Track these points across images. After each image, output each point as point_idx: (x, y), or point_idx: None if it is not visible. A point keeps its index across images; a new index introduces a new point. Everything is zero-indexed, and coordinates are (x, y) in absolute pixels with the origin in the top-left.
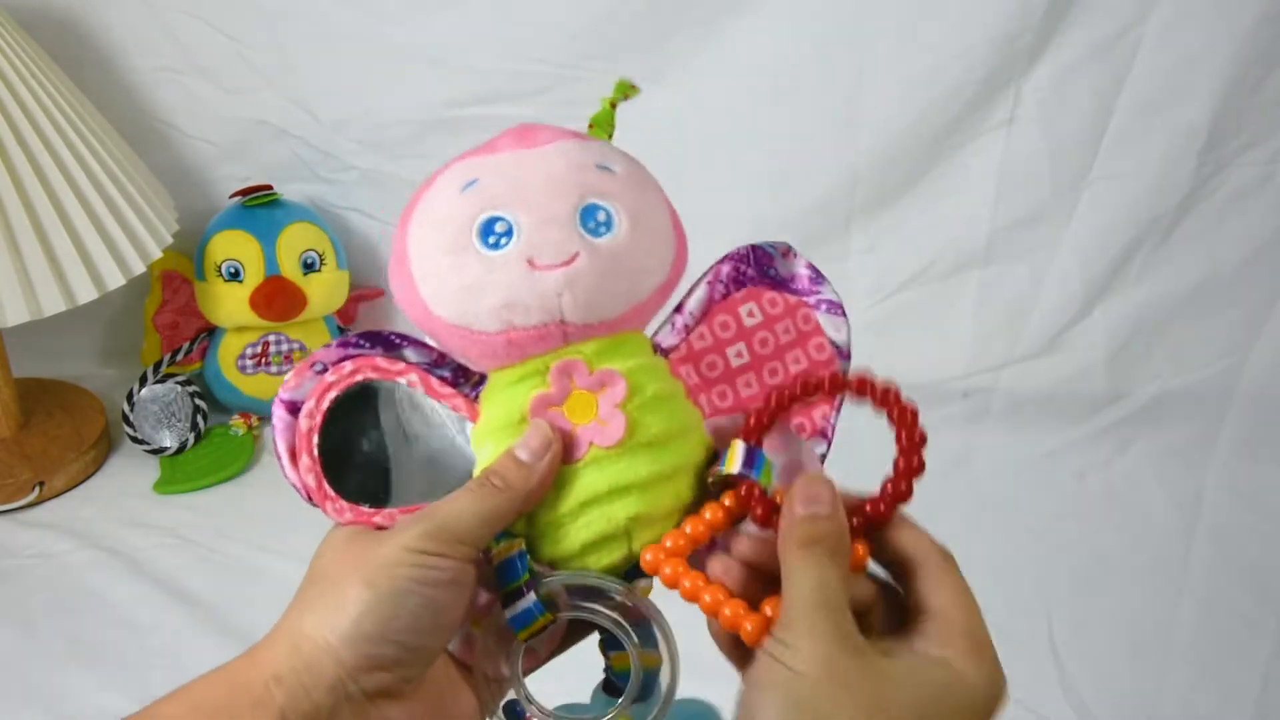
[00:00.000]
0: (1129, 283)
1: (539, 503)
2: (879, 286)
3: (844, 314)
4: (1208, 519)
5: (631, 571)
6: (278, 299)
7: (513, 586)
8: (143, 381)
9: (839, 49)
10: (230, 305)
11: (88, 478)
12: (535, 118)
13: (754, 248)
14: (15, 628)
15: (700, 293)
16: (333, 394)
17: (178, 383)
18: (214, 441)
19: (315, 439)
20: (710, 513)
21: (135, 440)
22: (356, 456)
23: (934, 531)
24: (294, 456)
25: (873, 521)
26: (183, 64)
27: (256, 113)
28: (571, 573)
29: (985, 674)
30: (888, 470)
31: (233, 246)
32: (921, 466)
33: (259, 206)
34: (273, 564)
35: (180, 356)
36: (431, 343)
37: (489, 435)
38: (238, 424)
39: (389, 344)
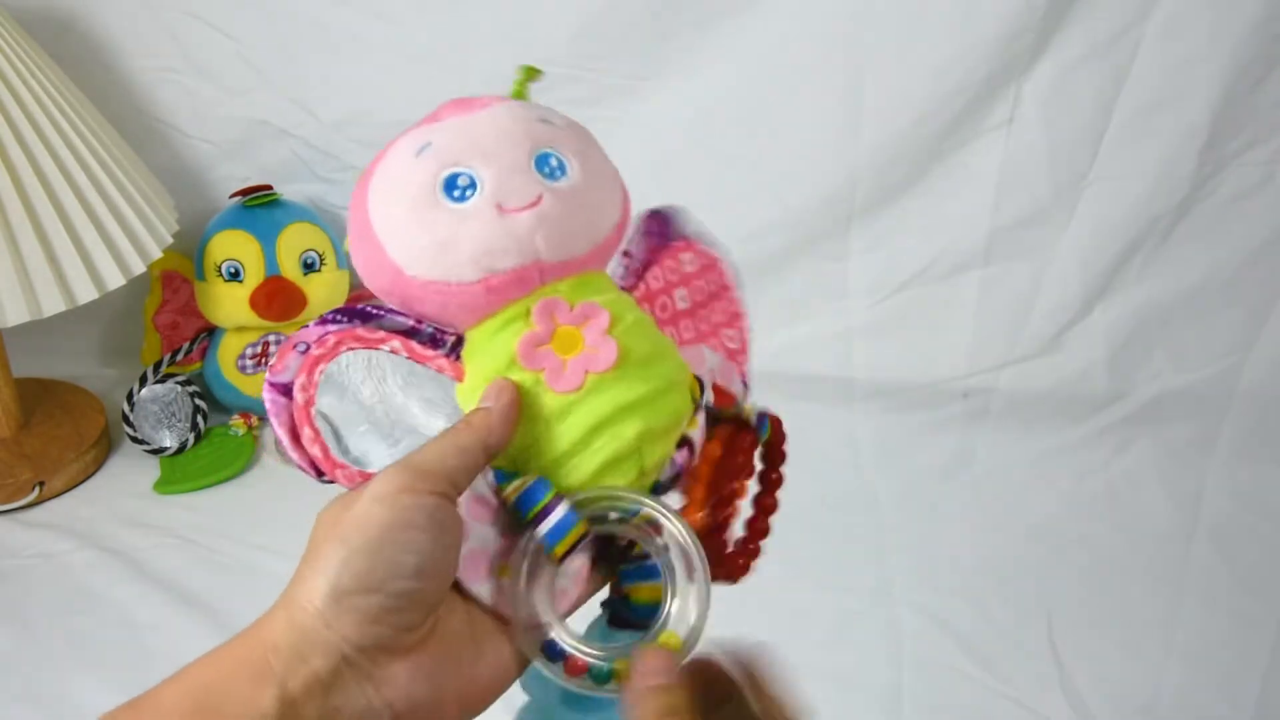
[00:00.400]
0: (1129, 283)
1: (547, 442)
2: (879, 286)
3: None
4: (1208, 519)
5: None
6: (278, 299)
7: (540, 505)
8: (143, 381)
9: (839, 49)
10: (230, 305)
11: (88, 478)
12: None
13: (666, 207)
14: (15, 628)
15: (641, 240)
16: (322, 366)
17: (178, 383)
18: (214, 441)
19: (313, 410)
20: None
21: (135, 440)
22: (353, 421)
23: (934, 531)
24: (294, 435)
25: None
26: (183, 64)
27: (256, 113)
28: (598, 486)
29: None
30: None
31: (233, 246)
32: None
33: (259, 206)
34: (273, 564)
35: (180, 356)
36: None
37: (480, 387)
38: (238, 424)
39: (366, 315)
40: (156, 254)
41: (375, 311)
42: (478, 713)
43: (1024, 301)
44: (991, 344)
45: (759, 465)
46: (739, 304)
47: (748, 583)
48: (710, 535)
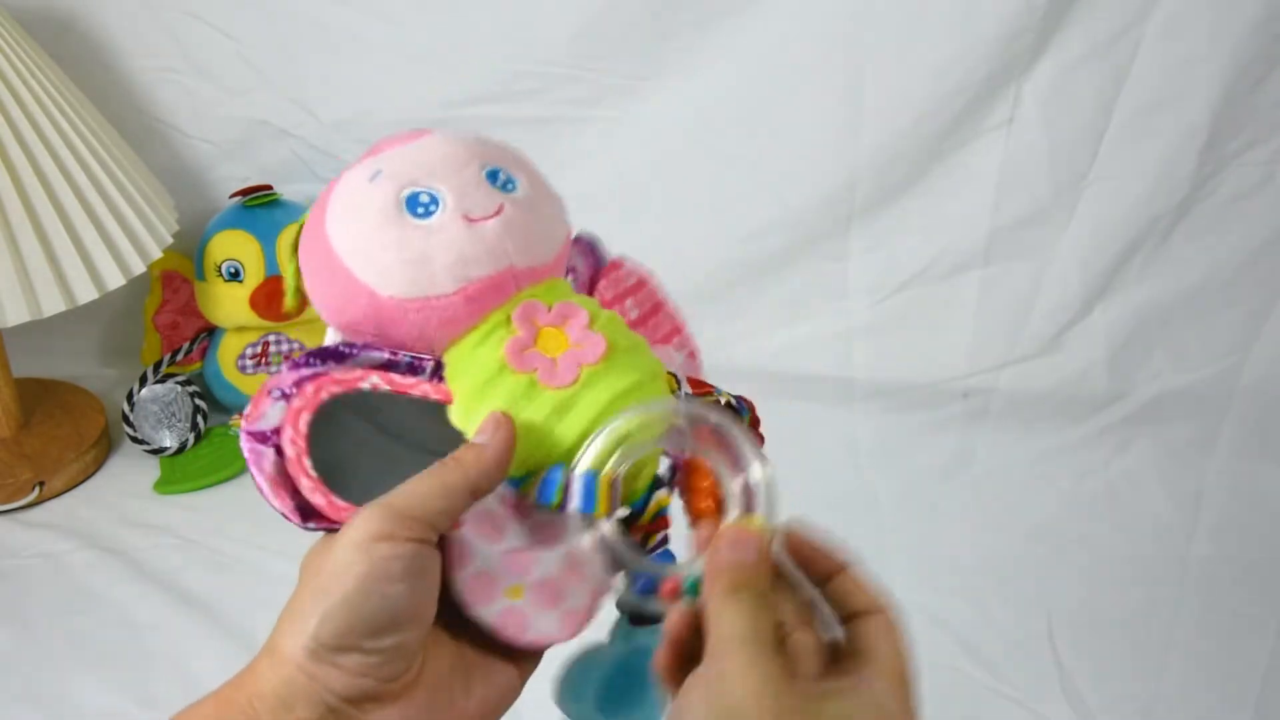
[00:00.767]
0: (1129, 283)
1: (554, 438)
2: (879, 286)
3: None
4: (1208, 519)
5: (651, 485)
6: (278, 299)
7: (561, 486)
8: (143, 381)
9: (839, 49)
10: (230, 305)
11: (88, 478)
12: (535, 118)
13: (587, 233)
14: (15, 628)
15: (580, 259)
16: (306, 415)
17: (178, 383)
18: (214, 441)
19: (307, 461)
20: None
21: (135, 440)
22: (349, 466)
23: (934, 531)
24: (274, 482)
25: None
26: (183, 64)
27: (256, 113)
28: (594, 435)
29: (906, 714)
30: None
31: (233, 246)
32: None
33: (259, 206)
34: (273, 564)
35: (180, 356)
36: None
37: (474, 399)
38: (237, 424)
39: (340, 355)
40: (156, 254)
41: (348, 350)
42: None
43: (1024, 301)
44: (991, 344)
45: None
46: (676, 316)
47: None
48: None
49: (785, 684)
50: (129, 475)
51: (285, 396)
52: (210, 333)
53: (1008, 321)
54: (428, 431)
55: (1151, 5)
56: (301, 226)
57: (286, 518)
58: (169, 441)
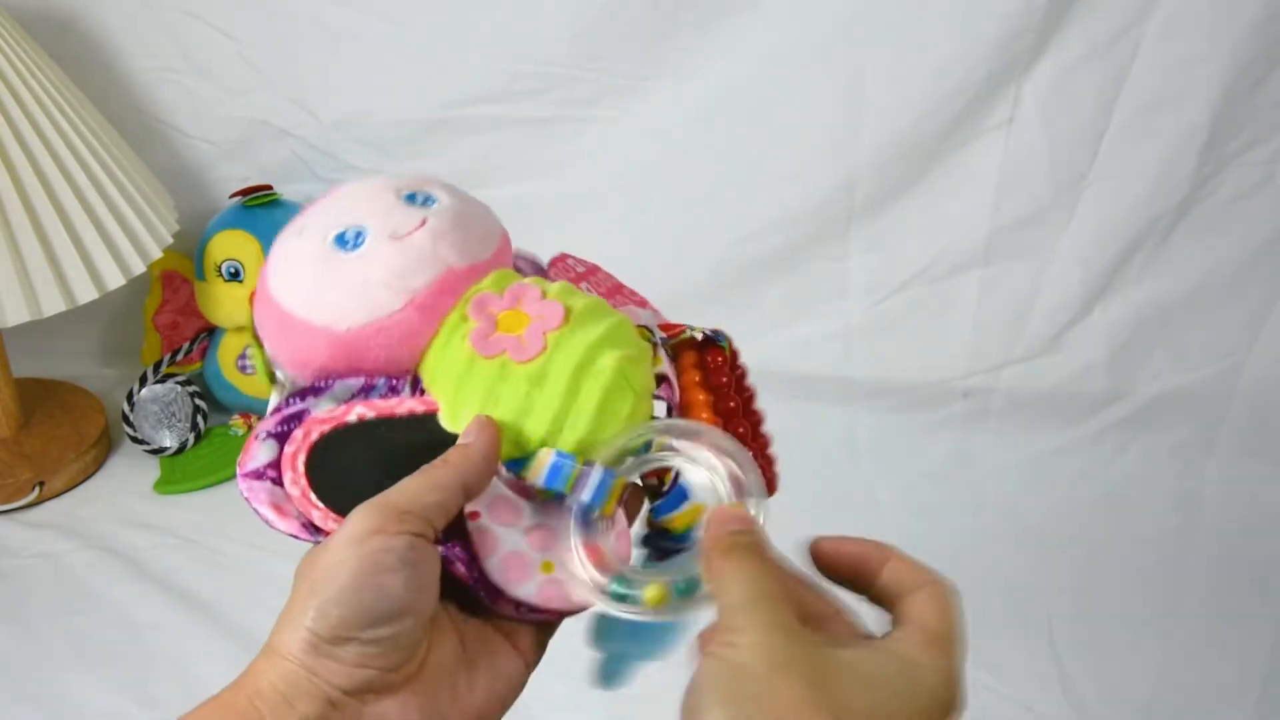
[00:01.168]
0: (1129, 283)
1: (540, 408)
2: (879, 286)
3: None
4: (1207, 519)
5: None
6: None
7: (573, 476)
8: (143, 381)
9: (839, 49)
10: (230, 305)
11: (88, 478)
12: (535, 118)
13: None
14: (15, 628)
15: (524, 263)
16: (302, 456)
17: (178, 383)
18: (214, 441)
19: (313, 496)
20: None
21: (135, 440)
22: (359, 488)
23: (934, 531)
24: (277, 511)
25: None
26: (183, 64)
27: (256, 113)
28: (610, 440)
29: (943, 669)
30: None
31: (233, 246)
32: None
33: (259, 206)
34: (273, 564)
35: (180, 356)
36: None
37: (456, 397)
38: (238, 424)
39: (316, 390)
40: (156, 254)
41: (323, 385)
42: None
43: (1024, 301)
44: (991, 344)
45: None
46: (636, 294)
47: None
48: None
49: (789, 633)
50: (129, 475)
51: (272, 436)
52: (210, 333)
53: (1008, 321)
54: (423, 441)
55: (1151, 5)
56: (252, 306)
57: (296, 536)
58: (169, 441)
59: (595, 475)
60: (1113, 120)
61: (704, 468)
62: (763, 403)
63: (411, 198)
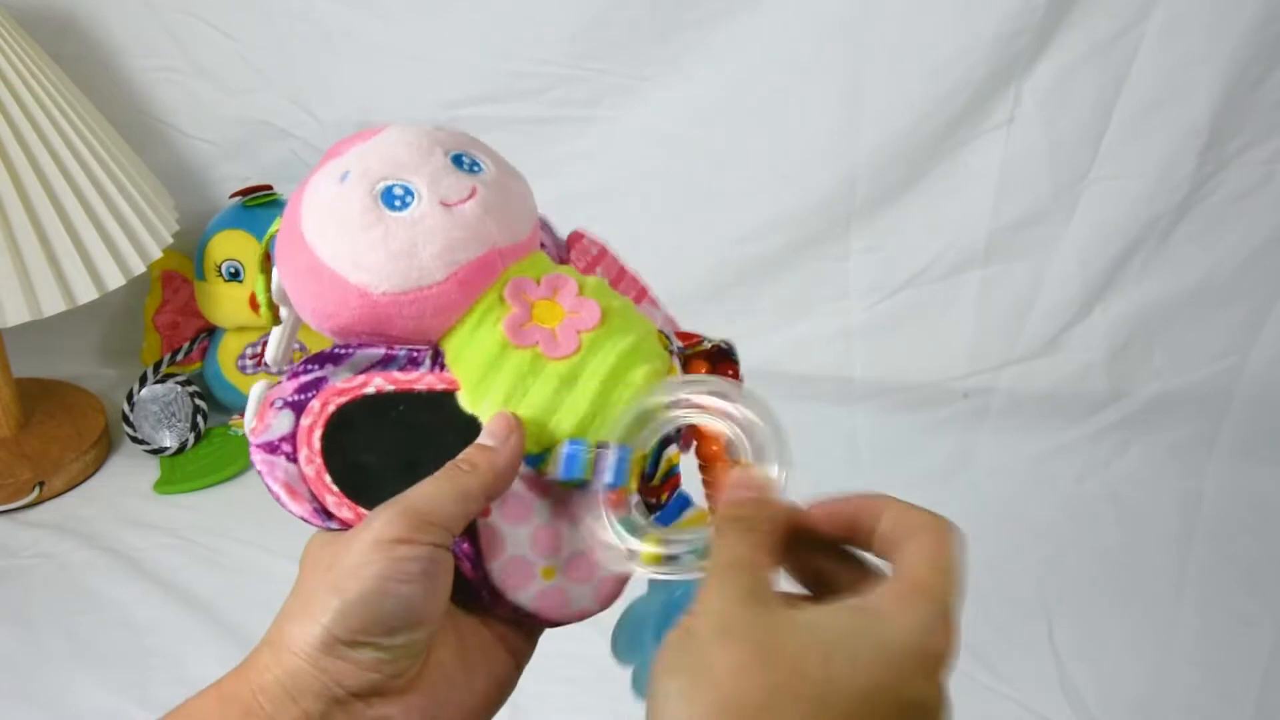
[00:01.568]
0: (1129, 283)
1: (568, 408)
2: (879, 286)
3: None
4: (1208, 519)
5: (659, 444)
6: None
7: (589, 461)
8: (143, 381)
9: (839, 49)
10: (230, 305)
11: (88, 478)
12: (535, 118)
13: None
14: (15, 628)
15: (545, 235)
16: (318, 432)
17: (178, 383)
18: (214, 441)
19: (328, 477)
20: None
21: (135, 440)
22: (369, 468)
23: None
24: (291, 492)
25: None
26: (183, 64)
27: (256, 113)
28: (621, 414)
29: (915, 620)
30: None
31: (233, 246)
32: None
33: (259, 206)
34: (273, 564)
35: (180, 356)
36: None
37: (482, 381)
38: (238, 424)
39: (336, 358)
40: (156, 254)
41: (344, 351)
42: None
43: (1024, 301)
44: (991, 344)
45: None
46: (639, 280)
47: None
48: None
49: (744, 600)
50: (129, 475)
51: (289, 405)
52: (210, 333)
53: (1008, 321)
54: (441, 421)
55: (1151, 5)
56: (269, 241)
57: (307, 520)
58: (169, 441)
59: (613, 455)
60: (1113, 120)
61: (720, 418)
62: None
63: (459, 160)
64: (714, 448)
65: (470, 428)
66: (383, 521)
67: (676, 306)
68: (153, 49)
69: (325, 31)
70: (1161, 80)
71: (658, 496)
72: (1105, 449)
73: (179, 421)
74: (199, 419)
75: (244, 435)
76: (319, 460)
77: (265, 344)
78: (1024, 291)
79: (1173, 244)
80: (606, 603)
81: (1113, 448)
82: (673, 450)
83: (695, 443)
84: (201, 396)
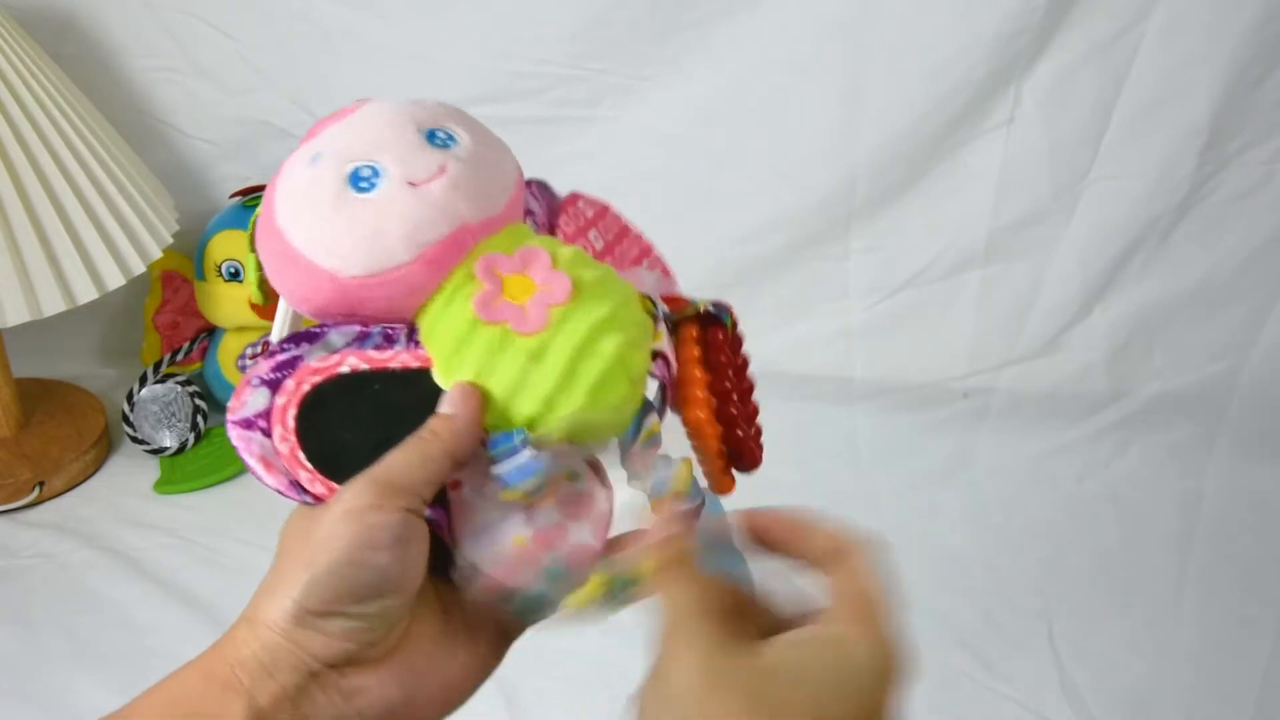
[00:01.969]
0: (1129, 283)
1: (534, 385)
2: (879, 286)
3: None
4: (1208, 519)
5: (644, 408)
6: (278, 299)
7: (506, 447)
8: (143, 381)
9: (839, 49)
10: (230, 305)
11: (88, 478)
12: (535, 118)
13: (537, 178)
14: (15, 628)
15: (536, 201)
16: (292, 411)
17: (178, 383)
18: (214, 441)
19: (301, 454)
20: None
21: (135, 440)
22: (343, 446)
23: (934, 532)
24: (266, 466)
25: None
26: (183, 64)
27: (256, 113)
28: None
29: (878, 642)
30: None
31: (233, 246)
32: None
33: (259, 206)
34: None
35: (180, 356)
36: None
37: (453, 358)
38: None
39: (311, 337)
40: (156, 254)
41: (319, 330)
42: (454, 710)
43: (1024, 301)
44: (991, 344)
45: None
46: (643, 239)
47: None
48: (741, 431)
49: (719, 649)
50: (129, 475)
51: (265, 384)
52: (210, 333)
53: (1008, 321)
54: (414, 398)
55: (1151, 5)
56: (253, 224)
57: (282, 493)
58: (169, 441)
59: (524, 456)
60: (1113, 120)
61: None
62: (763, 403)
63: (432, 135)
64: (700, 414)
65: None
66: (352, 492)
67: None
68: (153, 49)
69: (325, 31)
70: (1161, 80)
71: (641, 465)
72: (1105, 449)
73: (179, 421)
74: (199, 419)
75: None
76: (293, 439)
77: (265, 343)
78: (1024, 291)
79: (1173, 244)
80: (603, 537)
81: (1113, 448)
82: (653, 420)
83: (680, 410)
84: (201, 396)
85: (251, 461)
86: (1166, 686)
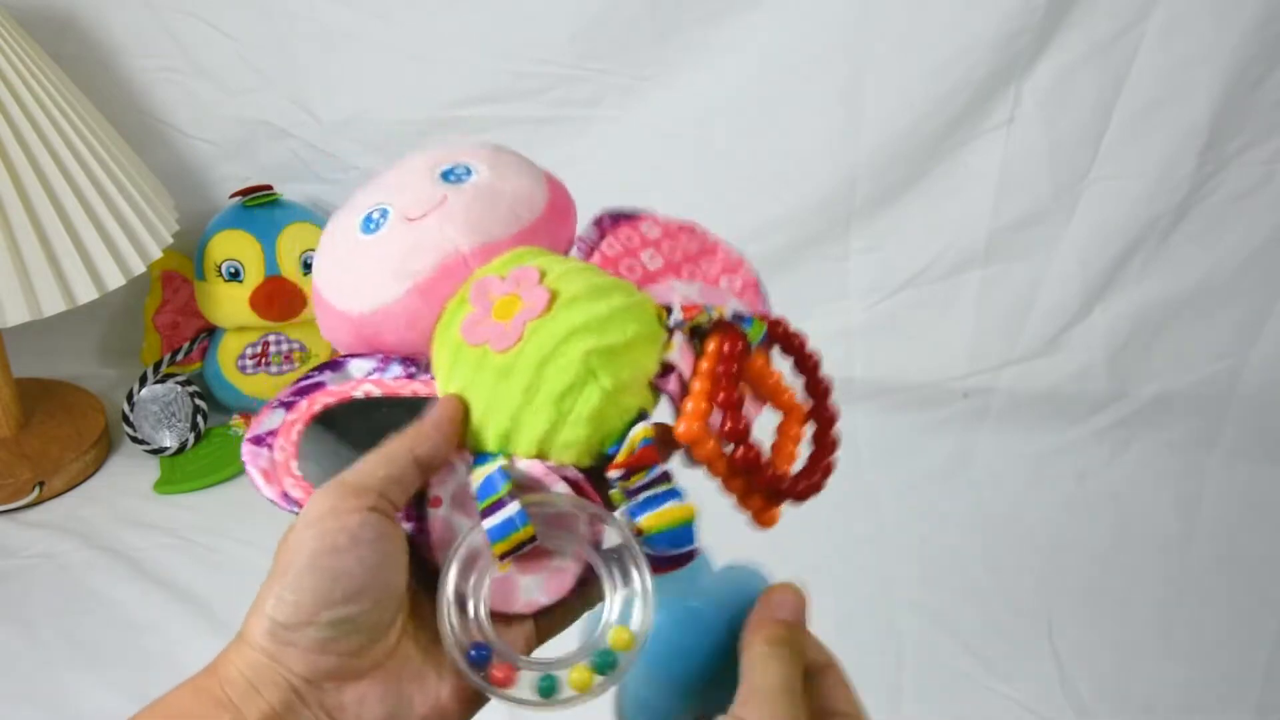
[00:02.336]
0: (1129, 283)
1: (503, 401)
2: (879, 286)
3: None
4: (1208, 519)
5: (637, 420)
6: (278, 299)
7: (492, 500)
8: (143, 381)
9: (839, 49)
10: (230, 305)
11: (88, 478)
12: (535, 118)
13: (626, 206)
14: (15, 628)
15: (592, 229)
16: (298, 426)
17: (178, 383)
18: (214, 441)
19: (293, 464)
20: (708, 364)
21: (135, 440)
22: (337, 465)
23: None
24: (267, 477)
25: (777, 491)
26: (183, 64)
27: (256, 113)
28: (549, 496)
29: None
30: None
31: (233, 246)
32: (832, 450)
33: (259, 206)
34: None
35: (180, 356)
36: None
37: (446, 383)
38: (238, 424)
39: (335, 365)
40: (156, 254)
41: (342, 360)
42: None
43: (1024, 301)
44: (991, 344)
45: (792, 376)
46: (734, 253)
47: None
48: (735, 451)
49: None
50: (129, 475)
51: (282, 404)
52: (210, 333)
53: (1008, 321)
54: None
55: (1151, 5)
56: None
57: (275, 503)
58: (169, 441)
59: (506, 512)
60: (1113, 120)
61: (607, 562)
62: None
63: (448, 173)
64: (679, 427)
65: None
66: (313, 499)
67: None
68: (153, 49)
69: (325, 31)
70: (1161, 80)
71: (626, 477)
72: (1105, 449)
73: (179, 421)
74: (199, 419)
75: (244, 435)
76: (290, 449)
77: (265, 343)
78: (1024, 291)
79: (1173, 244)
80: (556, 593)
81: (1113, 448)
82: (642, 425)
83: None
84: (201, 396)
85: (254, 472)
86: (1166, 686)
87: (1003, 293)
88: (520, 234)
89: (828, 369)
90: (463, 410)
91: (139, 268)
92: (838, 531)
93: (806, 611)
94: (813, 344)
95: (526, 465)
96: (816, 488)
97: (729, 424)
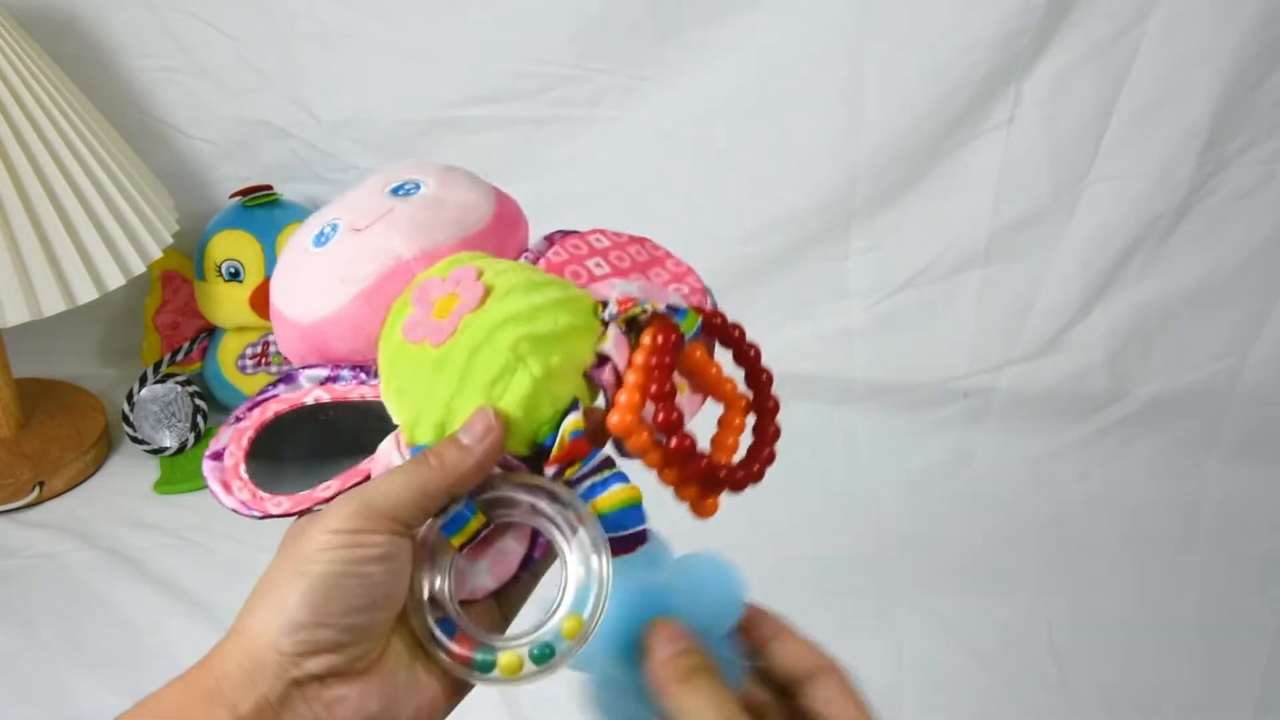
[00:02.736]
0: (1129, 283)
1: (438, 392)
2: (879, 286)
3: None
4: (1207, 519)
5: (570, 409)
6: None
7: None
8: (143, 381)
9: (839, 49)
10: (230, 305)
11: (88, 478)
12: (535, 118)
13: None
14: (15, 628)
15: (542, 242)
16: (249, 433)
17: (178, 383)
18: None
19: (242, 468)
20: (642, 357)
21: (135, 440)
22: (283, 462)
23: (934, 531)
24: (224, 487)
25: (714, 481)
26: (183, 64)
27: (256, 113)
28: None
29: None
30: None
31: (233, 246)
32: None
33: (259, 206)
34: None
35: (180, 356)
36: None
37: (386, 384)
38: None
39: (288, 379)
40: (156, 254)
41: (294, 373)
42: None
43: (1024, 301)
44: (991, 344)
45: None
46: (683, 264)
47: (748, 581)
48: (669, 441)
49: None
50: (129, 475)
51: (237, 419)
52: (210, 333)
53: (1008, 321)
54: (360, 420)
55: (1151, 5)
56: None
57: (238, 512)
58: (169, 441)
59: (456, 506)
60: (1113, 120)
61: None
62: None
63: (398, 189)
64: (613, 418)
65: (386, 423)
66: (343, 514)
67: None
68: (153, 49)
69: (325, 31)
70: (1161, 80)
71: (561, 472)
72: (1105, 449)
73: (179, 421)
74: (199, 419)
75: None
76: (240, 455)
77: (265, 343)
78: (1024, 291)
79: (1173, 244)
80: (500, 579)
81: (1113, 448)
82: (572, 417)
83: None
84: (201, 396)
85: (214, 485)
86: (1166, 686)
87: (1003, 293)
88: (464, 240)
89: (828, 369)
90: (503, 436)
91: (139, 268)
92: (838, 531)
93: (691, 633)
94: (809, 342)
95: None
96: (756, 477)
97: (662, 415)
